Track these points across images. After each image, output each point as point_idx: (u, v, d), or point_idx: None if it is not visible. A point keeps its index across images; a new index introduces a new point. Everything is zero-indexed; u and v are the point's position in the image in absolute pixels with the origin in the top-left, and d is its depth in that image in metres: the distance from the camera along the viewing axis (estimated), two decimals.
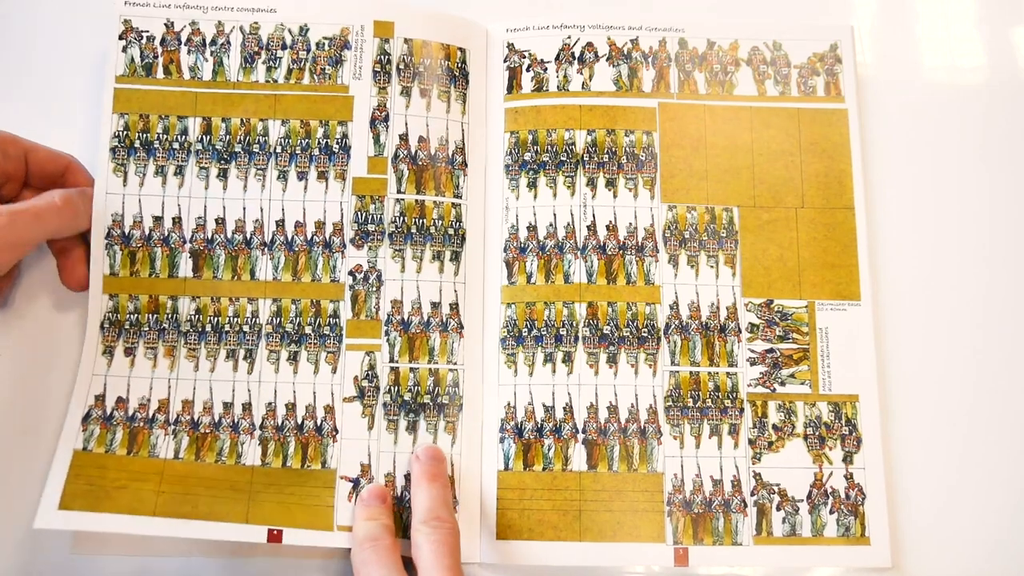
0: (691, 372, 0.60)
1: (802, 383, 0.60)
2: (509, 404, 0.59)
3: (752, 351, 0.60)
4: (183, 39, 0.62)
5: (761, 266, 0.61)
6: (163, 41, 0.62)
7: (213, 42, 0.62)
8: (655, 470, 0.59)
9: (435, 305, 0.60)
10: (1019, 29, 0.66)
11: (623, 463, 0.59)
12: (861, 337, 0.60)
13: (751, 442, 0.59)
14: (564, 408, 0.59)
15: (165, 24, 0.62)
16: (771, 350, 0.60)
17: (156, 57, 0.62)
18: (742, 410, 0.59)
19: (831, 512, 0.58)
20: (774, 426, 0.59)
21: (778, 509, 0.58)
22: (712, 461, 0.59)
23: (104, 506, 0.54)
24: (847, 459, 0.59)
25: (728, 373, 0.60)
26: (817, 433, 0.59)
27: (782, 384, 0.60)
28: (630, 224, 0.61)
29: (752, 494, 0.58)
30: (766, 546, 0.58)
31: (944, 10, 0.67)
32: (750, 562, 0.57)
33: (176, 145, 0.61)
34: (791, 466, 0.59)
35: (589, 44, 0.63)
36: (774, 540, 0.58)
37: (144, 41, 0.62)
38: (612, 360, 0.60)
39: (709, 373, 0.60)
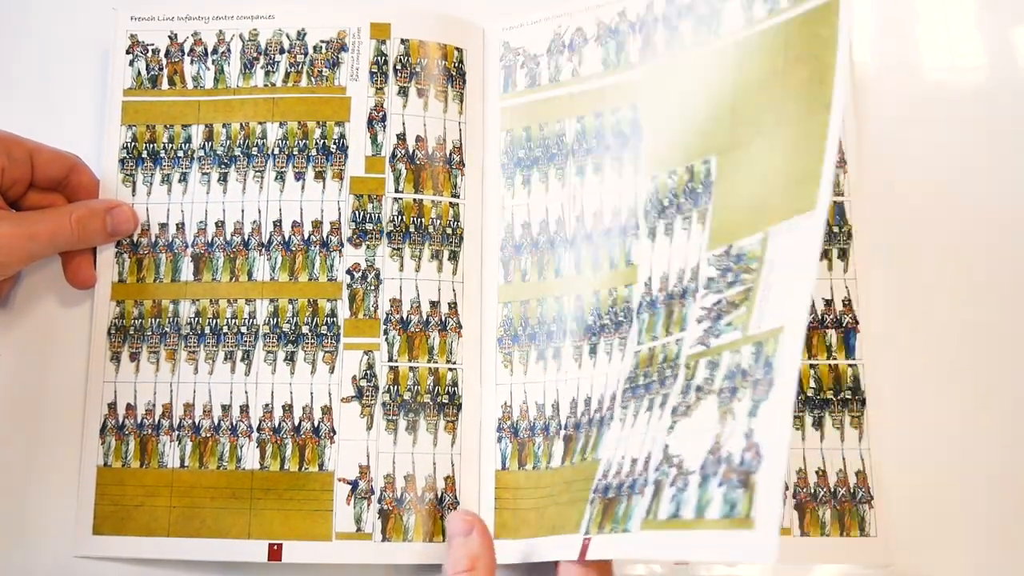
0: (649, 348, 0.53)
1: (735, 329, 0.46)
2: (506, 404, 0.59)
3: (703, 308, 0.50)
4: (186, 50, 0.63)
5: (729, 210, 0.51)
6: (167, 53, 0.63)
7: (215, 51, 0.63)
8: (596, 458, 0.53)
9: (434, 304, 0.60)
10: (1019, 29, 0.66)
11: (580, 455, 0.56)
12: (805, 255, 0.44)
13: (673, 410, 0.48)
14: (552, 406, 0.58)
15: (169, 36, 0.63)
16: (719, 301, 0.49)
17: (161, 69, 0.63)
18: (677, 377, 0.49)
19: (719, 485, 0.42)
20: (697, 387, 0.47)
21: (671, 485, 0.45)
22: (639, 439, 0.50)
23: (127, 528, 0.57)
24: (753, 412, 0.43)
25: (677, 340, 0.51)
26: (732, 384, 0.44)
27: (717, 336, 0.48)
28: (615, 206, 0.60)
29: (656, 470, 0.46)
30: (651, 531, 0.45)
31: (944, 10, 0.67)
32: (634, 552, 0.47)
33: (180, 153, 0.62)
34: (698, 431, 0.45)
35: (579, 29, 0.63)
36: (659, 524, 0.45)
37: (149, 54, 0.63)
38: (592, 351, 0.58)
39: (662, 345, 0.52)
